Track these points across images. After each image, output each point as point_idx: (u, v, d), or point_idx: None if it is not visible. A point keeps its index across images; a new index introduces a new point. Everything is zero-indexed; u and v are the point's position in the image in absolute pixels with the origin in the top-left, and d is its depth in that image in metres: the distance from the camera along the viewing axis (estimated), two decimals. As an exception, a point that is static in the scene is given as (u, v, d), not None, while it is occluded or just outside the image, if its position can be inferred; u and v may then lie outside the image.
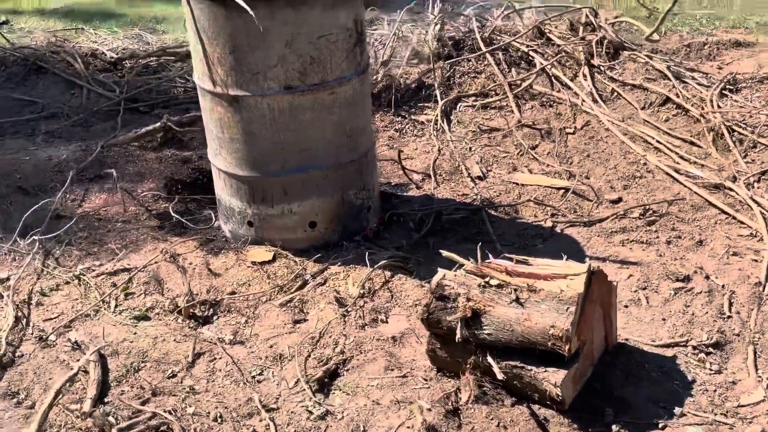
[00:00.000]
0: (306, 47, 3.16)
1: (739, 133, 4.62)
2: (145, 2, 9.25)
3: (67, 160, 4.57)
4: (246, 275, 3.42)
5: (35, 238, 3.60)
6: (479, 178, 4.38)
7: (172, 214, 3.92)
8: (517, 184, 4.32)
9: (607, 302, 2.79)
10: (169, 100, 5.62)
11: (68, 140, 4.95)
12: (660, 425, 2.57)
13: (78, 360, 2.90)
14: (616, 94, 5.42)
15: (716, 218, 3.94)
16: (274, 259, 3.50)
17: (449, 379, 2.79)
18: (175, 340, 3.05)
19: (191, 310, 3.18)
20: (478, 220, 3.92)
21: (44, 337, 3.05)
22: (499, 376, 2.56)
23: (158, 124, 4.83)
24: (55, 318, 3.19)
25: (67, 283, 3.40)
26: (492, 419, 2.59)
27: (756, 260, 3.51)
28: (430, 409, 2.63)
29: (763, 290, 3.25)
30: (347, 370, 2.87)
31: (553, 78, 5.58)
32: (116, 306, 3.26)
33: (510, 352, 2.64)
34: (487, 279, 2.66)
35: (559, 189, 4.24)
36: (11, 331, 3.05)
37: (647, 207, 4.02)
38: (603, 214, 4.01)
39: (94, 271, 3.47)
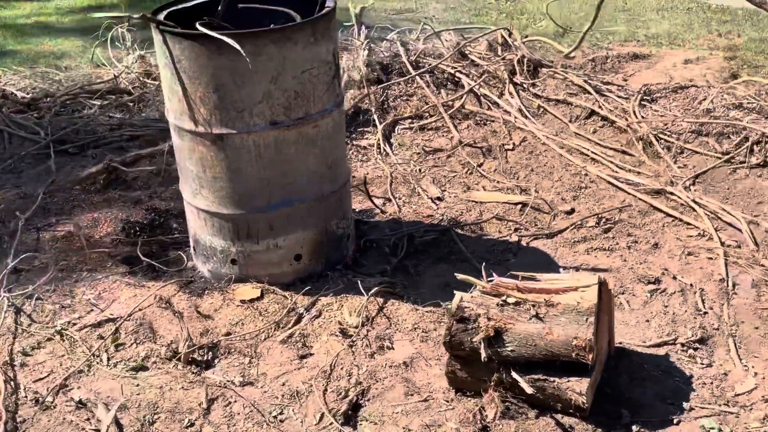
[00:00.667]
0: (290, 82, 3.18)
1: (666, 141, 4.97)
2: (35, 37, 8.85)
3: (7, 209, 4.34)
4: (237, 314, 3.38)
5: (3, 295, 3.40)
6: (438, 198, 4.49)
7: (142, 257, 3.80)
8: (476, 202, 4.46)
9: (610, 310, 2.95)
10: (98, 139, 5.42)
11: (1, 188, 4.69)
12: (675, 421, 2.75)
13: (87, 419, 2.78)
14: (542, 109, 5.70)
15: (663, 221, 4.22)
16: (262, 296, 3.47)
17: (470, 399, 2.87)
18: (182, 387, 2.98)
19: (191, 356, 3.11)
20: (448, 240, 4.03)
21: (41, 399, 2.90)
22: (528, 390, 2.66)
23: (100, 165, 4.67)
24: (45, 378, 3.04)
25: (49, 339, 3.25)
26: (520, 429, 2.68)
27: (711, 258, 3.79)
28: (458, 430, 2.69)
29: (728, 286, 3.51)
30: (368, 400, 2.89)
31: (481, 97, 5.80)
32: (109, 359, 3.14)
33: (530, 367, 2.75)
34: (504, 297, 2.76)
35: (516, 204, 4.41)
36: (2, 396, 2.87)
37: (600, 216, 4.25)
38: (561, 226, 4.21)
39: (75, 324, 3.32)
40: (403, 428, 2.74)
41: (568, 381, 2.69)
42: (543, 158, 5.00)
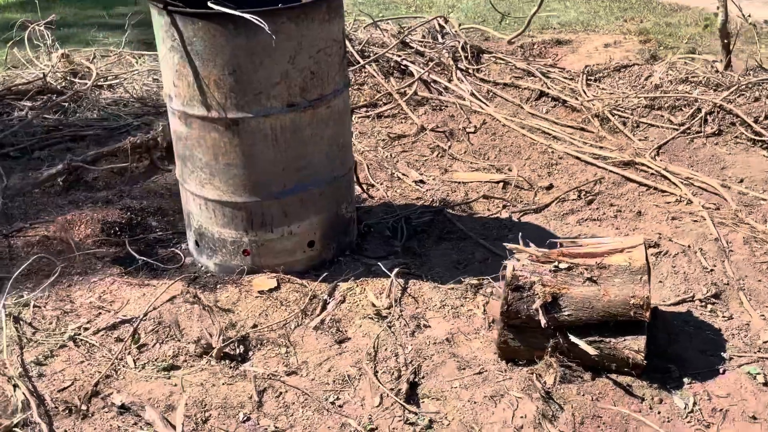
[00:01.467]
0: (307, 62, 3.09)
1: (621, 116, 5.18)
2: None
3: (-36, 217, 4.00)
4: (259, 306, 3.25)
5: (-2, 305, 3.13)
6: (420, 182, 4.49)
7: (137, 256, 3.59)
8: (458, 182, 4.49)
9: (649, 269, 3.04)
10: (39, 141, 5.07)
11: (-52, 196, 4.30)
12: (721, 370, 2.87)
13: (135, 423, 2.60)
14: (491, 93, 5.81)
15: (638, 191, 4.39)
16: (279, 286, 3.36)
17: (522, 368, 2.89)
18: (224, 383, 2.84)
19: (223, 350, 2.97)
20: (444, 220, 4.04)
21: (74, 408, 2.69)
22: (592, 351, 2.71)
23: (60, 166, 4.37)
24: (70, 386, 2.82)
25: (62, 347, 3.01)
26: (584, 395, 2.73)
27: (696, 221, 3.98)
28: (521, 398, 2.71)
29: (724, 245, 3.70)
30: (423, 378, 2.86)
31: (431, 83, 5.84)
32: (135, 361, 2.95)
33: (583, 330, 2.79)
34: (555, 263, 2.79)
35: (498, 182, 4.47)
36: (24, 411, 2.64)
37: (579, 189, 4.38)
38: (545, 201, 4.30)
39: (87, 329, 3.10)
40: (468, 401, 2.72)
41: (624, 340, 2.76)
42: (507, 139, 5.09)
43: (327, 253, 3.54)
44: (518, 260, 2.83)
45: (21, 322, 3.15)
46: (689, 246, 3.72)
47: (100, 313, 3.20)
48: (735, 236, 3.79)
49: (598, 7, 9.12)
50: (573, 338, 2.74)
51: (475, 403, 2.71)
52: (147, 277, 3.49)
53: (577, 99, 5.48)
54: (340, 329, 3.12)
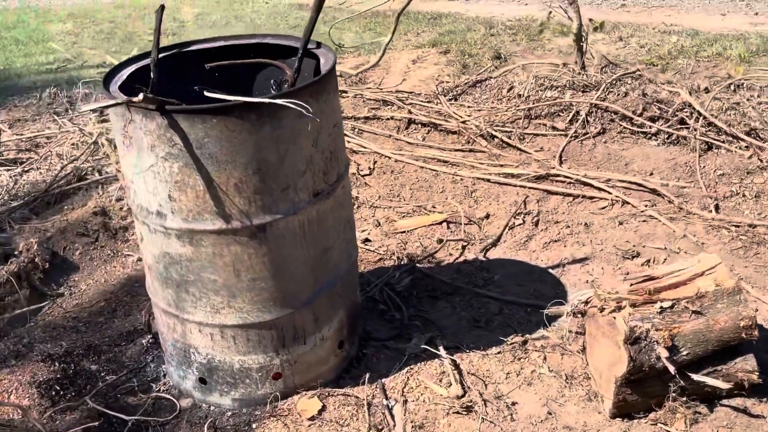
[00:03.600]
0: (326, 141, 2.64)
1: (503, 131, 5.22)
2: None
3: None
4: (321, 437, 2.73)
5: None
6: (367, 240, 4.12)
7: (125, 417, 2.85)
8: (403, 232, 4.20)
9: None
10: None
11: None
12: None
13: None
14: (356, 129, 5.56)
15: (565, 202, 4.44)
16: (324, 406, 2.85)
17: (640, 420, 2.73)
18: None
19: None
20: (423, 277, 3.75)
21: None
22: (725, 386, 2.63)
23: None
24: None
25: None
26: (718, 429, 2.65)
27: (645, 221, 4.11)
28: (663, 453, 2.56)
29: (695, 239, 3.84)
30: (558, 464, 2.58)
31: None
32: None
33: (697, 364, 2.71)
34: (658, 304, 2.67)
35: (440, 223, 4.26)
36: None
37: (518, 212, 4.32)
38: (494, 231, 4.18)
39: None
40: (624, 475, 2.50)
41: (735, 363, 2.71)
42: (410, 175, 4.89)
43: (353, 349, 3.09)
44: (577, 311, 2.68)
45: None
46: (665, 247, 3.81)
47: None
48: (694, 228, 3.95)
49: (380, 27, 9.20)
50: (698, 377, 2.64)
51: (631, 475, 2.49)
52: (153, 441, 2.76)
53: (448, 121, 5.41)
54: (431, 436, 2.72)
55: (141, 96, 2.25)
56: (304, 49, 2.80)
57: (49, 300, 3.76)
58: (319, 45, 2.83)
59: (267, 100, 2.30)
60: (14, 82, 7.44)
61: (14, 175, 5.07)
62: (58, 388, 3.09)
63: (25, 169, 5.17)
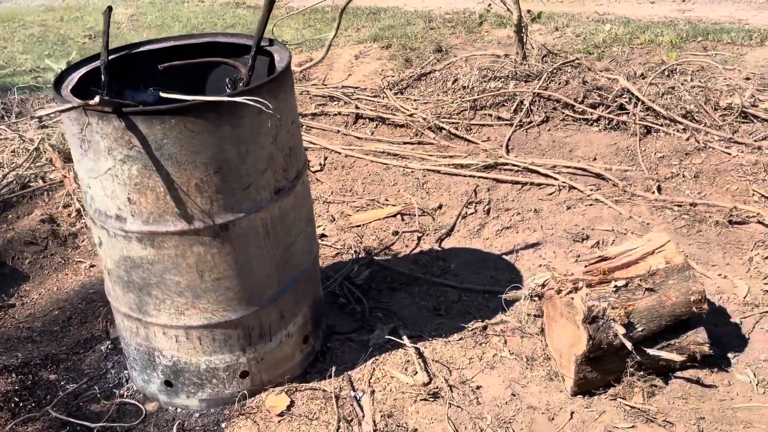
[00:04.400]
0: (285, 137, 2.66)
1: (450, 122, 5.29)
2: None
3: None
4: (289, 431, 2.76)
5: None
6: (323, 236, 4.15)
7: (90, 425, 2.82)
8: (359, 226, 4.23)
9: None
10: None
11: None
12: (746, 336, 3.09)
13: None
14: (304, 126, 5.57)
15: (514, 189, 4.54)
16: (292, 401, 2.88)
17: (600, 396, 2.83)
18: None
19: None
20: (381, 269, 3.79)
21: None
22: (679, 358, 2.74)
23: None
24: None
25: None
26: (674, 401, 2.76)
27: (591, 204, 4.23)
28: (633, 427, 2.66)
29: (642, 220, 3.98)
30: (525, 443, 2.66)
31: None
32: None
33: (651, 339, 2.82)
34: (613, 283, 2.77)
35: (395, 215, 4.31)
36: None
37: (469, 202, 4.40)
38: (447, 221, 4.25)
39: None
40: (589, 449, 2.59)
41: (687, 336, 2.83)
42: (361, 169, 4.92)
43: (318, 344, 3.12)
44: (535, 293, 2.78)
45: None
46: (612, 229, 3.93)
47: None
48: (639, 209, 4.09)
49: (319, 23, 9.19)
50: (653, 351, 2.74)
51: (596, 448, 2.59)
52: (121, 447, 2.74)
53: (395, 115, 5.46)
54: (401, 424, 2.76)
55: (97, 99, 2.23)
56: (258, 46, 2.80)
57: (0, 311, 3.67)
58: (272, 42, 2.84)
59: (227, 99, 2.30)
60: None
61: (-48, 186, 4.92)
62: (17, 399, 3.03)
63: (-36, 178, 5.02)
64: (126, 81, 2.83)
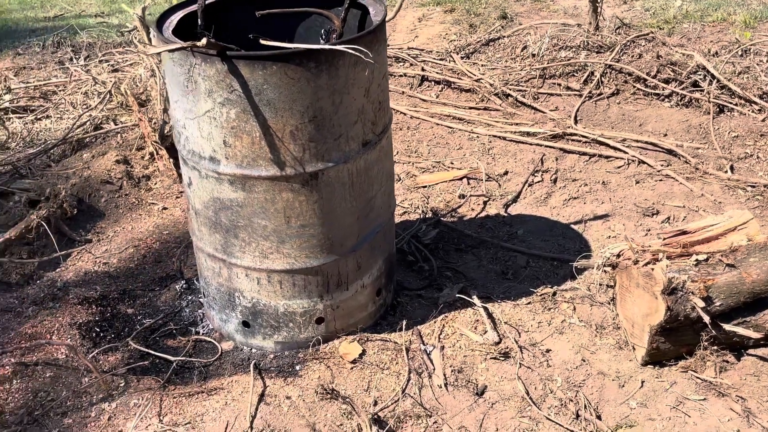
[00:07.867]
0: (376, 91, 2.69)
1: (517, 90, 5.26)
2: None
3: None
4: (361, 378, 2.82)
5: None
6: (389, 193, 4.18)
7: (170, 358, 2.92)
8: (425, 187, 4.26)
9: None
10: None
11: None
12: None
13: None
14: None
15: (582, 161, 4.52)
16: (364, 351, 2.94)
17: (671, 368, 2.85)
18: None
19: (372, 443, 2.54)
20: (449, 231, 3.82)
21: None
22: (756, 335, 2.74)
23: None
24: None
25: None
26: (746, 377, 2.77)
27: (661, 180, 4.20)
28: (705, 400, 2.68)
29: (714, 199, 3.94)
30: (597, 407, 2.69)
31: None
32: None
33: (727, 315, 2.81)
34: (694, 257, 2.76)
35: (461, 179, 4.32)
36: None
37: (536, 170, 4.39)
38: (512, 188, 4.26)
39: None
40: (660, 418, 2.62)
41: (763, 314, 2.82)
42: (426, 132, 4.93)
43: (389, 297, 3.17)
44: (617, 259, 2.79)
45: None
46: (684, 206, 3.90)
47: (189, 446, 2.54)
48: (711, 188, 4.05)
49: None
50: (729, 327, 2.75)
51: (668, 419, 2.61)
52: (199, 382, 2.84)
53: (461, 79, 5.45)
54: (470, 380, 2.81)
55: (204, 41, 2.27)
56: (351, -1, 2.82)
57: (75, 245, 3.79)
58: (365, -5, 2.85)
59: (329, 47, 2.33)
60: (13, 29, 7.33)
61: (27, 123, 5.04)
62: (98, 329, 3.15)
63: (38, 116, 5.14)
64: (219, 27, 2.87)
